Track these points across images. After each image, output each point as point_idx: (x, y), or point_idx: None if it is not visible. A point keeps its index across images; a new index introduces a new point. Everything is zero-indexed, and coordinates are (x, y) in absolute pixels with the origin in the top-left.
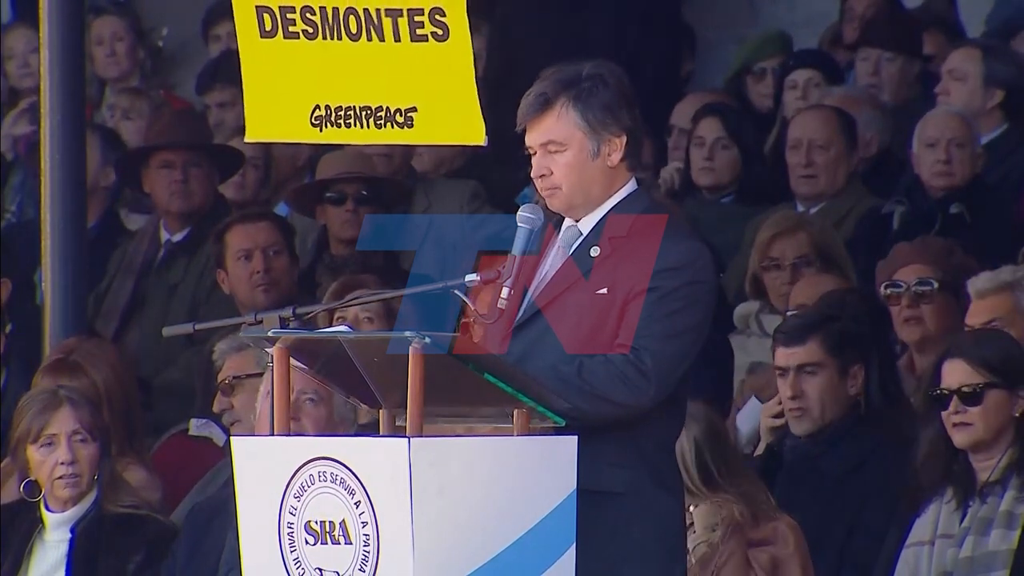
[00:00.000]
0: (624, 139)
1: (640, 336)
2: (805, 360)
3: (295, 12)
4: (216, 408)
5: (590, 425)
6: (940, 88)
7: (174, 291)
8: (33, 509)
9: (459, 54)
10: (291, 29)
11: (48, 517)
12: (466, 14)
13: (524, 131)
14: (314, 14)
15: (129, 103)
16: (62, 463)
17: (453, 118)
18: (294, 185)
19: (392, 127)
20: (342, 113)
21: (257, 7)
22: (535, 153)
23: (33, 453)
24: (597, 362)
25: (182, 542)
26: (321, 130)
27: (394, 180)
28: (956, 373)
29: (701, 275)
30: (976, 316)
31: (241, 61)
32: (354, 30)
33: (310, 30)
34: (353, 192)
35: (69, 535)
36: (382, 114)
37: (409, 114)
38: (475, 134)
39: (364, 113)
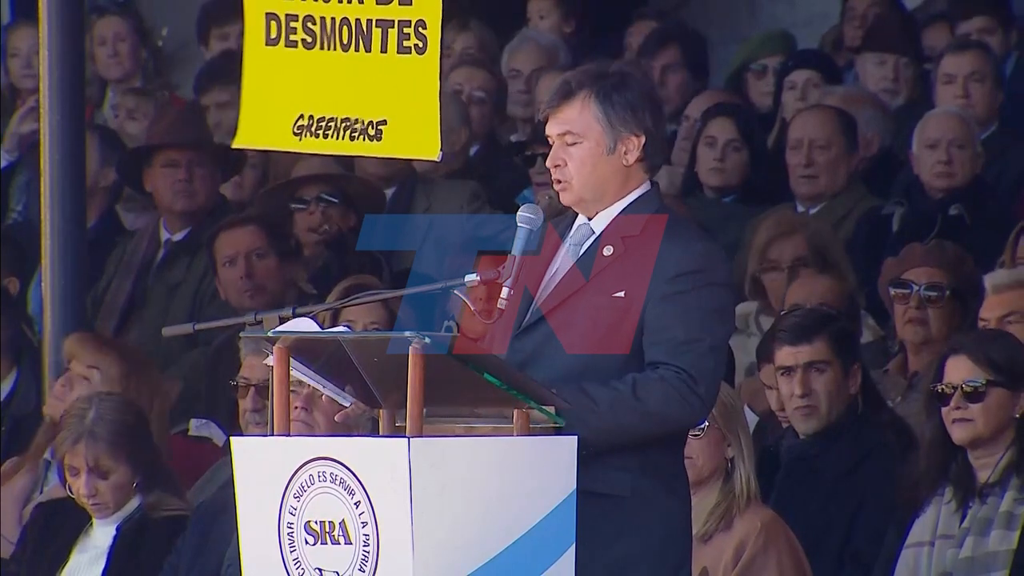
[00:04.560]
0: (642, 140)
1: (682, 352)
2: (814, 358)
3: (298, 20)
4: (247, 407)
5: (630, 444)
6: (956, 92)
7: (174, 291)
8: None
9: (431, 67)
10: (291, 37)
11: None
12: (440, 27)
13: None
14: (315, 23)
15: (134, 103)
16: (82, 495)
17: (415, 132)
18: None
19: (364, 139)
20: (323, 124)
21: (267, 13)
22: (554, 142)
23: (66, 471)
24: (652, 380)
25: (187, 539)
26: (301, 139)
27: (363, 180)
28: (960, 370)
29: (720, 278)
30: (991, 310)
31: (244, 68)
32: (345, 40)
33: (309, 39)
34: (315, 195)
35: (114, 532)
36: (358, 126)
37: (379, 127)
38: (430, 148)
39: (343, 125)
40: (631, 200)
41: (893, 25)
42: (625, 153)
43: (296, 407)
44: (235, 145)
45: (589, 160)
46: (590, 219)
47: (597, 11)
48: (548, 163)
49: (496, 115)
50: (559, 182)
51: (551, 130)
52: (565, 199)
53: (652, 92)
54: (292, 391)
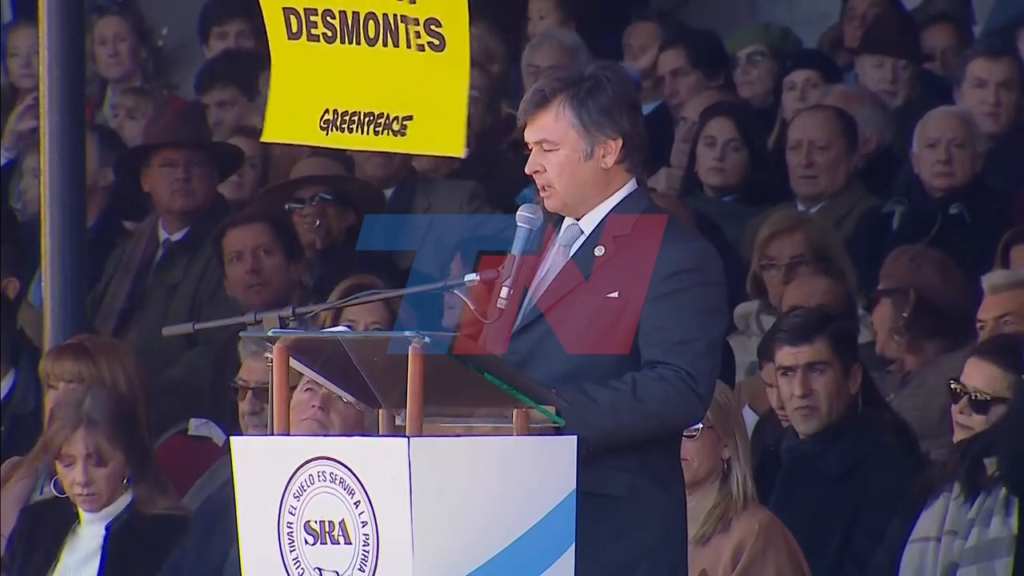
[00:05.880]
0: (620, 143)
1: (680, 351)
2: (814, 359)
3: (317, 15)
4: (245, 410)
5: (630, 443)
6: (986, 97)
7: (174, 291)
8: (68, 504)
9: (457, 65)
10: (313, 32)
11: (83, 512)
12: (465, 25)
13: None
14: (334, 17)
15: (134, 103)
16: (78, 483)
17: (441, 129)
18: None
19: (388, 134)
20: (347, 118)
21: (284, 8)
22: (532, 149)
23: (57, 465)
24: (651, 380)
25: (191, 537)
26: (327, 134)
27: (363, 180)
28: (973, 376)
29: (714, 277)
30: (988, 311)
31: (272, 62)
32: (372, 35)
33: (329, 33)
34: (311, 195)
35: (104, 532)
36: (382, 121)
37: (404, 122)
38: (455, 145)
39: (367, 119)
40: (618, 200)
41: (891, 25)
42: (603, 157)
43: (313, 406)
44: (263, 139)
45: (567, 166)
46: (578, 219)
47: (597, 11)
48: (528, 169)
49: (489, 113)
50: (542, 188)
51: (528, 137)
52: (549, 205)
53: (628, 93)
54: (309, 390)
